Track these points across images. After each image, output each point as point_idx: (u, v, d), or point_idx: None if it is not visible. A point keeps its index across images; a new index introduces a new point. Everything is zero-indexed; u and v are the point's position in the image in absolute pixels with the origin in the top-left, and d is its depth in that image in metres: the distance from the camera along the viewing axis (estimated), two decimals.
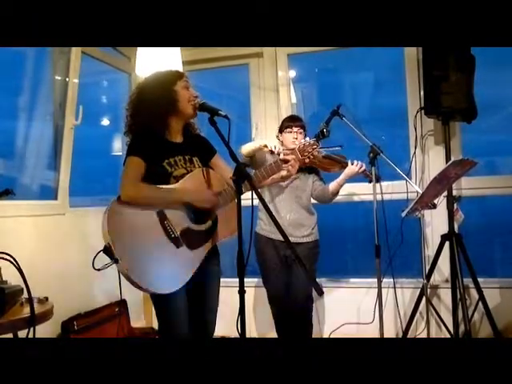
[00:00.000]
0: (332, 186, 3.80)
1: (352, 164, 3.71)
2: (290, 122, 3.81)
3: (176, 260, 2.52)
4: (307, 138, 2.89)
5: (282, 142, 3.87)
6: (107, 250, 2.38)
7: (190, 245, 2.55)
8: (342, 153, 3.77)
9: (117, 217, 2.43)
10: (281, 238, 3.64)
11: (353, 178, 3.82)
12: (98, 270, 2.40)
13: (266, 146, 3.63)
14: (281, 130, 3.86)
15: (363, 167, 3.72)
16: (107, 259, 2.40)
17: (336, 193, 3.82)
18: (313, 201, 3.96)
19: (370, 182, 3.77)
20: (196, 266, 2.55)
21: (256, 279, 4.40)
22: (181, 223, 2.54)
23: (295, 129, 3.76)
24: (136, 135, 2.62)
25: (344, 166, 3.74)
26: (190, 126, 2.79)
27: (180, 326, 2.60)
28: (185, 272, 2.52)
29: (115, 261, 2.36)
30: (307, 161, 2.95)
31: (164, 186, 2.54)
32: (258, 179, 2.71)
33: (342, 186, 3.79)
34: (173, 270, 2.51)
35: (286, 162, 2.78)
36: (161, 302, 2.61)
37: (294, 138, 3.73)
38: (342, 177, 3.75)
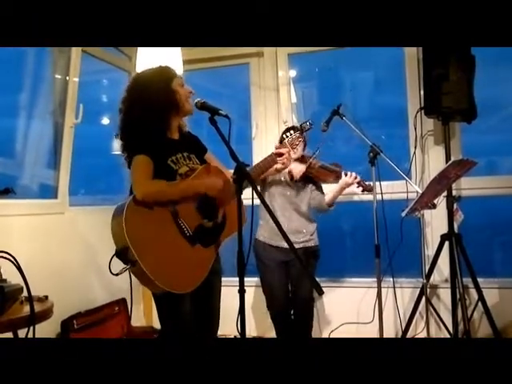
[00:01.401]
0: (327, 197, 3.86)
1: (346, 175, 3.76)
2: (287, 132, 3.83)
3: (192, 258, 2.53)
4: (291, 132, 3.01)
5: None
6: (120, 254, 2.37)
7: (204, 242, 2.57)
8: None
9: (134, 219, 2.39)
10: (280, 245, 3.71)
11: (348, 188, 3.84)
12: (116, 274, 2.39)
13: None
14: (281, 141, 3.86)
15: (357, 178, 3.76)
16: (119, 263, 2.40)
17: (331, 204, 3.86)
18: None
19: (363, 191, 3.79)
20: (210, 263, 2.58)
21: (256, 279, 4.40)
22: (193, 220, 2.55)
23: None
24: (138, 134, 2.57)
25: (338, 176, 3.76)
26: (183, 124, 2.79)
27: (185, 329, 2.61)
28: (201, 270, 2.55)
29: (132, 264, 2.34)
30: (293, 152, 3.01)
31: (177, 182, 2.56)
32: (255, 174, 2.75)
33: (336, 197, 3.82)
34: (190, 268, 2.52)
35: (279, 155, 2.83)
36: (167, 304, 2.59)
37: (296, 145, 3.75)
38: (337, 188, 3.80)
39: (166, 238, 2.47)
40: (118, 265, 2.40)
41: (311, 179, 3.87)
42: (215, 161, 2.84)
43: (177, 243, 2.49)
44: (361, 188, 3.82)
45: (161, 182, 2.51)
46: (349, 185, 3.78)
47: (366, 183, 3.79)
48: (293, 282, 3.87)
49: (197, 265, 2.54)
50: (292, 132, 2.99)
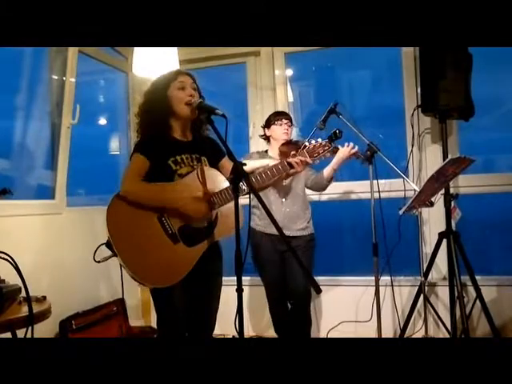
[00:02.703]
0: (326, 171, 3.81)
1: (343, 147, 3.71)
2: (278, 116, 3.88)
3: (172, 255, 2.54)
4: (319, 139, 2.79)
5: (269, 136, 3.91)
6: (109, 244, 2.44)
7: (188, 241, 2.57)
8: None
9: (116, 212, 2.50)
10: (276, 232, 3.64)
11: (346, 162, 3.79)
12: (98, 262, 2.45)
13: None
14: (268, 125, 3.90)
15: (355, 148, 3.71)
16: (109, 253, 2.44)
17: (331, 178, 3.82)
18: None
19: (362, 162, 3.77)
20: (193, 262, 2.56)
21: (254, 278, 4.40)
22: (179, 220, 2.57)
23: (285, 121, 3.82)
24: (142, 136, 2.70)
25: (335, 150, 3.73)
26: (198, 126, 2.81)
27: (176, 322, 2.65)
28: (181, 268, 2.54)
29: (115, 254, 2.40)
30: (317, 162, 2.85)
31: (162, 186, 2.57)
32: (262, 180, 2.71)
33: (336, 170, 3.78)
34: (169, 265, 2.54)
35: (291, 165, 2.76)
36: (159, 298, 2.66)
37: (285, 130, 3.80)
38: (335, 160, 3.74)
39: (147, 234, 2.52)
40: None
41: None
42: (229, 167, 2.77)
43: (157, 240, 2.53)
44: (360, 159, 3.78)
45: (146, 185, 2.56)
46: (347, 155, 3.71)
47: (363, 155, 3.76)
48: (289, 273, 3.79)
49: (177, 262, 2.55)
50: (319, 139, 2.85)
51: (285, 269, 3.78)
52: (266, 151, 3.93)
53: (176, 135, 2.73)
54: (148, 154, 2.58)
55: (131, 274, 2.43)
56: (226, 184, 2.61)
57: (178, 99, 2.66)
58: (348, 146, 3.70)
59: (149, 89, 2.78)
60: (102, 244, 2.47)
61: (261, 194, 3.57)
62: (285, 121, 3.82)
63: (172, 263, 2.54)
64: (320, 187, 3.91)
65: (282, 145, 3.65)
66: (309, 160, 2.75)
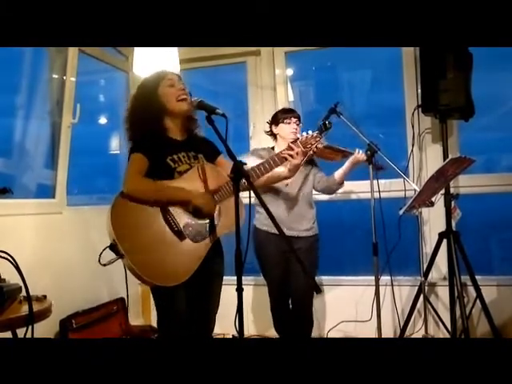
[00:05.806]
0: (338, 174, 3.77)
1: (358, 153, 3.68)
2: (287, 114, 3.75)
3: (180, 253, 2.54)
4: (310, 131, 2.92)
5: (276, 134, 3.81)
6: (113, 247, 2.43)
7: (193, 238, 2.58)
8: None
9: (120, 212, 2.48)
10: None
11: (356, 168, 3.78)
12: (104, 265, 2.44)
13: None
14: (276, 123, 3.77)
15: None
16: (113, 255, 2.43)
17: (342, 182, 3.79)
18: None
19: (377, 169, 3.77)
20: (200, 259, 2.57)
21: (254, 277, 4.40)
22: (184, 216, 2.58)
23: (294, 119, 3.71)
24: (137, 136, 2.68)
25: (346, 154, 3.70)
26: (192, 125, 2.83)
27: (178, 323, 2.64)
28: (189, 264, 2.54)
29: (120, 256, 2.39)
30: (310, 153, 2.94)
31: (165, 182, 2.58)
32: (261, 172, 2.73)
33: (347, 174, 3.76)
34: (177, 262, 2.53)
35: (286, 157, 2.79)
36: (161, 297, 2.65)
37: (294, 129, 3.69)
38: (348, 164, 3.72)
39: (153, 232, 2.51)
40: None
41: (313, 161, 3.82)
42: (227, 164, 2.72)
43: (164, 237, 2.52)
44: (373, 166, 3.75)
45: (148, 181, 2.57)
46: (360, 161, 3.70)
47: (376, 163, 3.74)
48: (293, 273, 3.72)
49: (185, 259, 2.55)
50: (310, 131, 2.92)
51: (288, 269, 3.75)
52: (273, 148, 3.83)
53: (171, 135, 2.74)
54: (146, 152, 2.59)
55: (142, 275, 2.41)
56: (227, 179, 2.63)
57: (170, 95, 2.69)
58: (360, 153, 3.69)
59: (137, 91, 2.79)
60: (107, 247, 2.45)
61: (270, 195, 3.62)
62: (293, 119, 3.70)
63: (180, 260, 2.54)
64: (330, 190, 3.86)
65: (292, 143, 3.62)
66: (303, 150, 2.86)
